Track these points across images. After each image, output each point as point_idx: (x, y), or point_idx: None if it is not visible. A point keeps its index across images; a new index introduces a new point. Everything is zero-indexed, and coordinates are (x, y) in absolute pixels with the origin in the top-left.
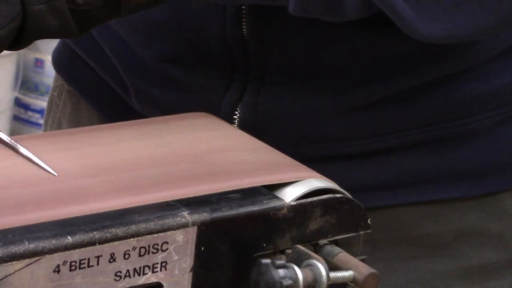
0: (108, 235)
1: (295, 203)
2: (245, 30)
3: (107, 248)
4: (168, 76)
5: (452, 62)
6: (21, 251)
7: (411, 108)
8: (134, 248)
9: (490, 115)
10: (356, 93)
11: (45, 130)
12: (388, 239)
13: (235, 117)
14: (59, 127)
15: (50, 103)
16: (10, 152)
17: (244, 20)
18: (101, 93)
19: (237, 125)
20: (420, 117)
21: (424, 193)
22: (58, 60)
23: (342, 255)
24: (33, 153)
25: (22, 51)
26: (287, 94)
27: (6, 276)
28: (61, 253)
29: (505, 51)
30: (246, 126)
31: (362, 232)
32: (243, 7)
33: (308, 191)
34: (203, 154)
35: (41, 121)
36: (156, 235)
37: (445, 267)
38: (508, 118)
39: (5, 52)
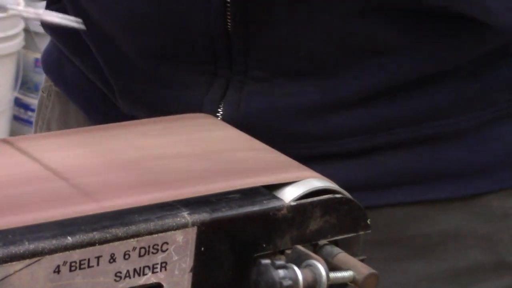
0: (108, 235)
1: (295, 203)
2: (229, 24)
3: (107, 249)
4: (151, 72)
5: (439, 61)
6: (21, 251)
7: (397, 108)
8: (134, 249)
9: (477, 115)
10: (341, 91)
11: (35, 131)
12: (374, 240)
13: (218, 115)
14: (48, 128)
15: (40, 104)
16: (10, 150)
17: (228, 13)
18: (88, 94)
19: None
20: (405, 116)
21: (410, 194)
22: (47, 61)
23: (342, 255)
24: (33, 152)
25: (22, 51)
26: (270, 91)
27: (6, 277)
28: (61, 253)
29: (492, 51)
30: (229, 124)
31: (362, 232)
32: (228, 0)
33: (308, 191)
34: (203, 155)
35: None
36: (156, 235)
37: (433, 269)
38: (495, 118)
39: (5, 52)
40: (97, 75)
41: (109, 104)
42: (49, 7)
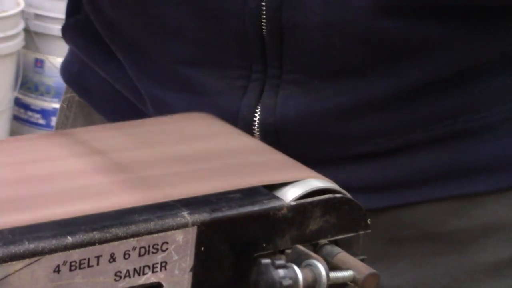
0: (108, 235)
1: (295, 203)
2: (264, 26)
3: (107, 248)
4: (184, 79)
5: (473, 57)
6: (21, 251)
7: (431, 104)
8: (134, 248)
9: (510, 107)
10: (376, 91)
11: None
12: (414, 236)
13: (254, 119)
14: None
15: (60, 115)
16: (71, 142)
17: (263, 16)
18: (114, 104)
19: (257, 129)
20: (440, 113)
21: (448, 189)
22: (68, 72)
23: (342, 255)
24: (95, 144)
25: (22, 51)
26: (305, 94)
27: (6, 276)
28: (61, 253)
29: None
30: (267, 129)
31: (362, 232)
32: (263, 3)
33: (308, 191)
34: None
35: (41, 121)
36: (156, 235)
37: (473, 262)
38: None
39: (5, 52)
40: (124, 83)
41: (137, 113)
42: (68, 19)
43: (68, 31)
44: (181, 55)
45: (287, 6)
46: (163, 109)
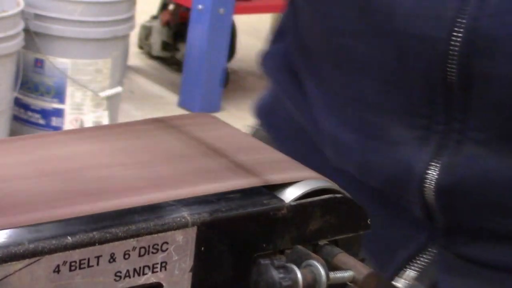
0: (108, 235)
1: (295, 203)
2: (453, 73)
3: (107, 248)
4: (362, 120)
5: None
6: (21, 251)
7: None
8: (134, 248)
9: None
10: None
11: None
12: None
13: (429, 175)
14: None
15: None
16: (167, 128)
17: (449, 64)
18: (296, 144)
19: (431, 187)
20: None
21: None
22: (259, 104)
23: (342, 255)
24: (191, 130)
25: (22, 51)
26: (489, 157)
27: (6, 276)
28: (61, 253)
29: None
30: (442, 189)
31: (362, 232)
32: (452, 47)
33: (308, 191)
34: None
35: (41, 121)
36: (156, 235)
37: None
38: None
39: (5, 52)
40: (307, 118)
41: (314, 157)
42: (271, 46)
43: (268, 59)
44: (365, 93)
45: (479, 53)
46: (338, 148)
